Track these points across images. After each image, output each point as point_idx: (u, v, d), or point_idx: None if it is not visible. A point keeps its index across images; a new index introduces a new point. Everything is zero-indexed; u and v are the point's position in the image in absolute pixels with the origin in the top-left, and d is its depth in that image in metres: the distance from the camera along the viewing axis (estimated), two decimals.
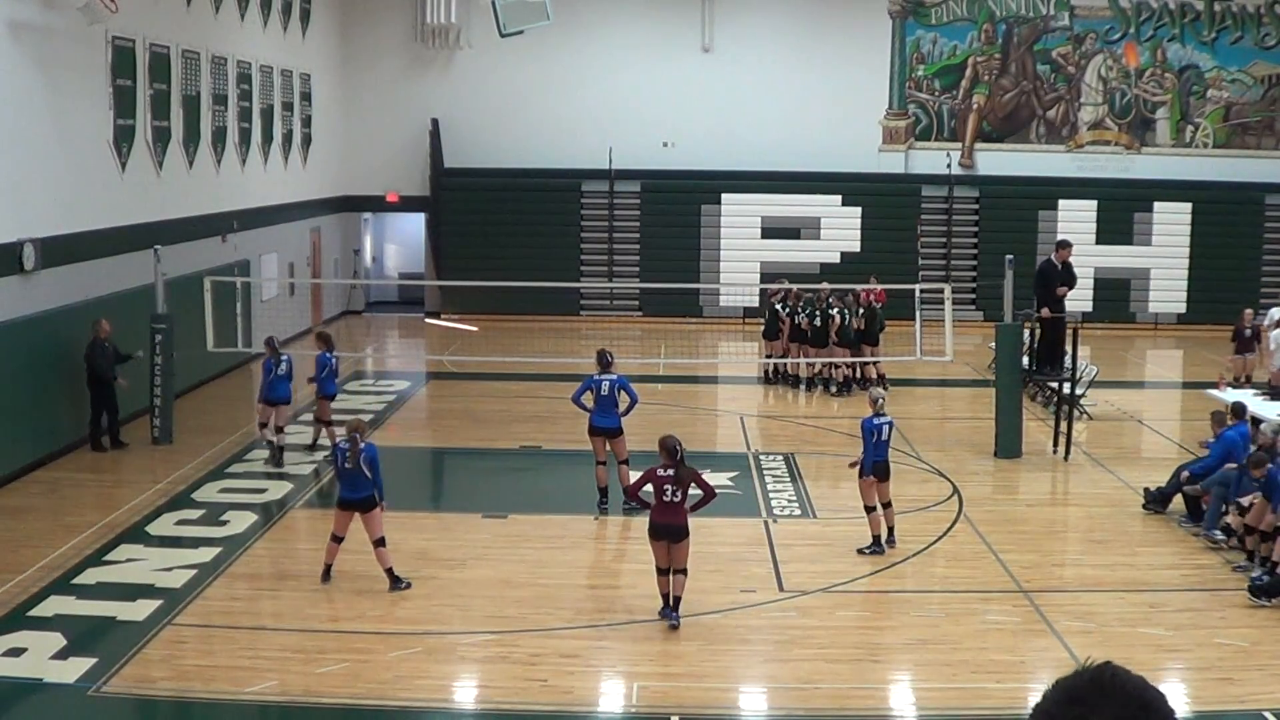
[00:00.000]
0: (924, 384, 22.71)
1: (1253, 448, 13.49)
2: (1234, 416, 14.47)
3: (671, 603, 10.96)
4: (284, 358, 16.92)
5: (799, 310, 21.81)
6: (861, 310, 21.76)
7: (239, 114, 24.12)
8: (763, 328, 22.77)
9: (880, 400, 13.41)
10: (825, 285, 23.02)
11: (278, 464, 16.46)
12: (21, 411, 15.78)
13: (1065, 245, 18.31)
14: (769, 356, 22.67)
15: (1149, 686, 2.20)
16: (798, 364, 22.04)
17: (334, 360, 17.36)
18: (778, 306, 22.19)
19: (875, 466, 13.08)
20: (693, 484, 10.96)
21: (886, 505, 13.23)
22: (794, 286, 22.92)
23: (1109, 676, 2.21)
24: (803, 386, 22.08)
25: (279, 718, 9.61)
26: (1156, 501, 14.65)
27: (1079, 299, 27.90)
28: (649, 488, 11.02)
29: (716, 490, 11.64)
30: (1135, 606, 11.68)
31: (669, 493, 10.82)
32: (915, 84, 31.17)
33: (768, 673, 10.40)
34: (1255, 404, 17.02)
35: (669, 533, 10.88)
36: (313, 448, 17.25)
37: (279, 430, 16.65)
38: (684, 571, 10.96)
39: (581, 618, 11.29)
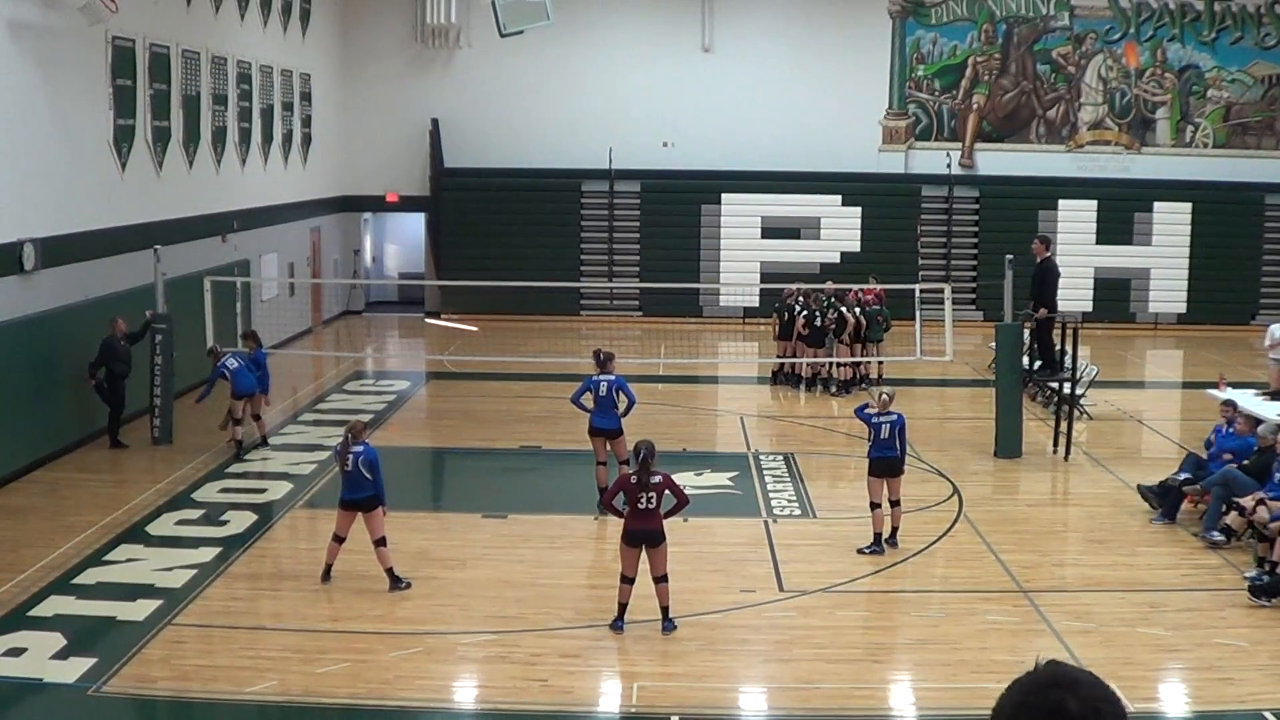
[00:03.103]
0: (924, 384, 22.69)
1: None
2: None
3: (660, 612, 10.90)
4: (224, 358, 17.18)
5: (805, 311, 21.77)
6: (860, 309, 21.74)
7: (239, 114, 24.12)
8: (777, 329, 22.65)
9: (882, 396, 13.43)
10: (829, 285, 23.01)
11: (240, 457, 16.89)
12: (21, 411, 15.79)
13: (1038, 241, 18.01)
14: (780, 356, 22.59)
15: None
16: (800, 364, 22.00)
17: (265, 356, 17.86)
18: (796, 307, 22.09)
19: (875, 463, 13.11)
20: (667, 490, 10.87)
21: (895, 504, 13.24)
22: (806, 287, 22.91)
23: (1067, 666, 2.37)
24: (803, 386, 22.08)
25: (279, 718, 9.60)
26: (1157, 498, 14.62)
27: (1079, 299, 28.08)
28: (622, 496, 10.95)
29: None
30: (1135, 606, 11.67)
31: (644, 500, 10.75)
32: (915, 84, 31.16)
33: (768, 673, 10.39)
34: (1255, 404, 17.01)
35: (647, 538, 10.79)
36: (265, 444, 17.52)
37: (237, 422, 17.02)
38: (665, 579, 10.88)
39: (581, 618, 11.29)
